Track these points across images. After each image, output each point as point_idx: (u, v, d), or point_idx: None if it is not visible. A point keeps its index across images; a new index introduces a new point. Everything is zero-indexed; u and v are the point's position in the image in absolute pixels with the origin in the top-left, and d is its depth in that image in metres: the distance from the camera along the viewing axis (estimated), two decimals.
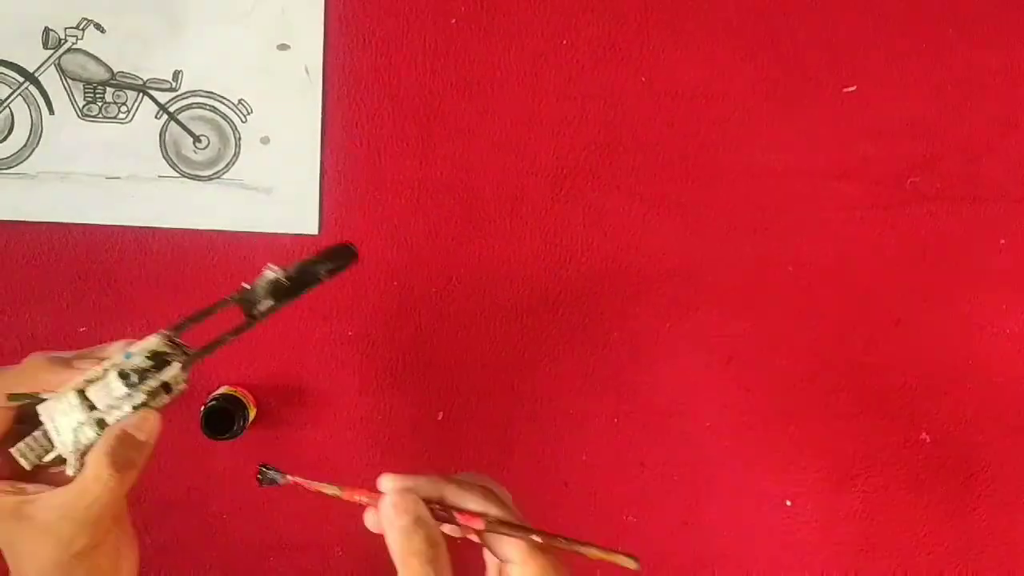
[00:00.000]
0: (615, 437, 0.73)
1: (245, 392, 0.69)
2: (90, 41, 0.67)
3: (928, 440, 0.76)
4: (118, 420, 0.46)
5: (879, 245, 0.75)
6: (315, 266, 0.51)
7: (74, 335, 0.68)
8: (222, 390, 0.68)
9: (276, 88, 0.69)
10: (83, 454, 0.46)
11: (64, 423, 0.46)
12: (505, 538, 0.45)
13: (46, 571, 0.46)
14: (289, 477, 0.47)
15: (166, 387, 0.47)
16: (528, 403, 0.72)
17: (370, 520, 0.46)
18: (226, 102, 0.69)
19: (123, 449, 0.46)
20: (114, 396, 0.46)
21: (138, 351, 0.47)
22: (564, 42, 0.72)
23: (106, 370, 0.46)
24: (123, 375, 0.46)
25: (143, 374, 0.46)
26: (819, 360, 0.75)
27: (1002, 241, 0.76)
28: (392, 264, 0.71)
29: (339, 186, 0.70)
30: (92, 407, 0.46)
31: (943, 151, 0.75)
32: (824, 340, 0.75)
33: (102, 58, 0.68)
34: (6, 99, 0.67)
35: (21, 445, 0.47)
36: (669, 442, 0.74)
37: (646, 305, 0.73)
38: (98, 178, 0.68)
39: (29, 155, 0.67)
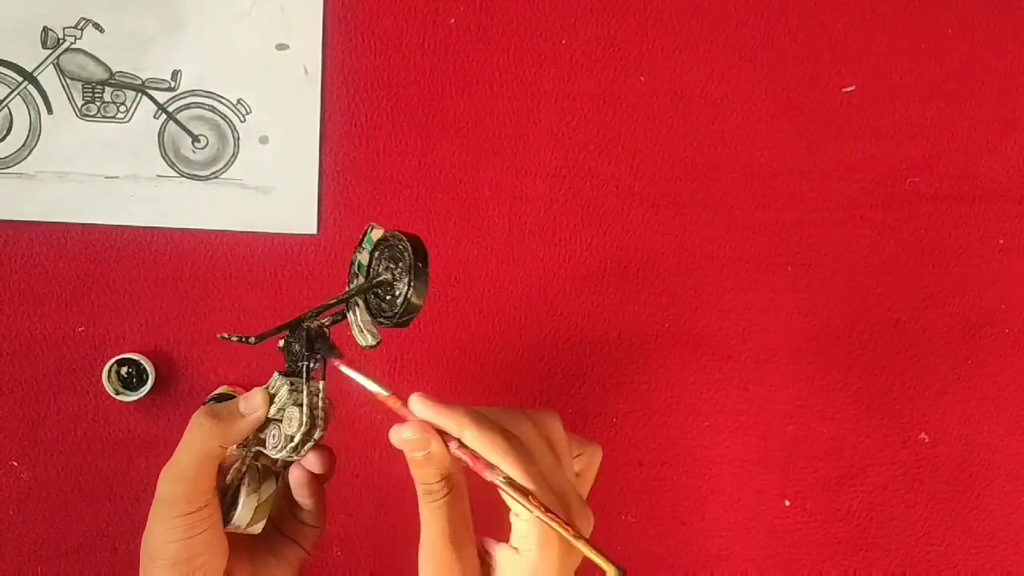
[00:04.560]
0: (614, 437, 0.73)
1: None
2: (89, 41, 0.67)
3: (927, 440, 0.76)
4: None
5: (879, 245, 0.75)
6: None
7: (73, 335, 0.68)
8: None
9: (275, 88, 0.69)
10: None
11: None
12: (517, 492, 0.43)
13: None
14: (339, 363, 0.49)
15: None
16: (527, 402, 0.72)
17: (393, 437, 0.46)
18: (225, 102, 0.69)
19: (222, 408, 0.48)
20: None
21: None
22: (563, 42, 0.72)
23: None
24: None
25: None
26: (819, 360, 0.75)
27: (1001, 241, 0.76)
28: None
29: (338, 186, 0.70)
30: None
31: (943, 151, 0.75)
32: (824, 340, 0.75)
33: (101, 58, 0.67)
34: (5, 99, 0.67)
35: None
36: (668, 441, 0.74)
37: (646, 305, 0.73)
38: (97, 178, 0.68)
39: (28, 155, 0.67)
